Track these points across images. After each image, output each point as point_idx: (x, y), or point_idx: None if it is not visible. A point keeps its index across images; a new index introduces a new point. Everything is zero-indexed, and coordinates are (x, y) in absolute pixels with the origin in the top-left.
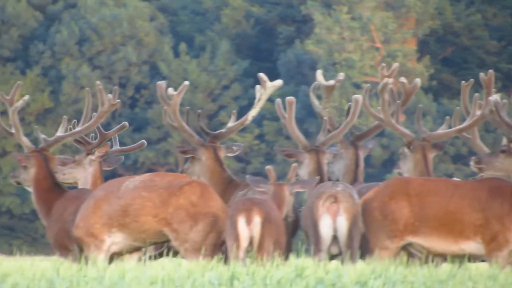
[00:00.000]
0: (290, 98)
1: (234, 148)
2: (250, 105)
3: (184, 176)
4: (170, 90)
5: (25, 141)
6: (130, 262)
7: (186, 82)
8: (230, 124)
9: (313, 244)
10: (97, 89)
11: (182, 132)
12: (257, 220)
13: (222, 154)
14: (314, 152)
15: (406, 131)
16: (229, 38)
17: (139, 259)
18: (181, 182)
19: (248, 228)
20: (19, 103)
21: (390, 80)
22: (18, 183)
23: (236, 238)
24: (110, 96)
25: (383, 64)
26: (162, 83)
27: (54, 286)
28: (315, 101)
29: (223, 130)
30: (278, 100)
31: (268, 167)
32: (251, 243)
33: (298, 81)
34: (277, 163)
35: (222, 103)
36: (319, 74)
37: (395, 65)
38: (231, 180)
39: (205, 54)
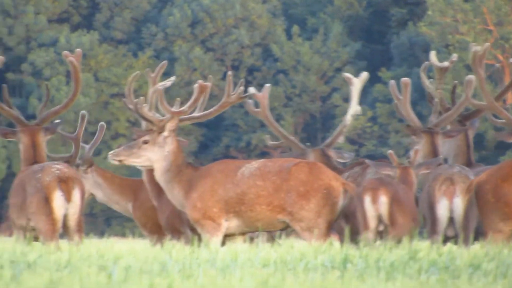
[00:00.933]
0: (405, 80)
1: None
2: (362, 88)
3: (294, 159)
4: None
5: (152, 116)
6: (242, 244)
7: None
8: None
9: (429, 226)
10: (227, 79)
11: (286, 140)
12: (383, 199)
13: (332, 156)
14: (429, 134)
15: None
16: (341, 21)
17: (251, 240)
18: (290, 164)
19: (373, 207)
20: (166, 84)
21: (478, 47)
22: None
23: (364, 217)
24: (242, 88)
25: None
26: (250, 103)
27: (166, 268)
28: (426, 81)
29: (328, 140)
30: (392, 81)
31: (390, 151)
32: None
33: (410, 64)
34: (390, 145)
35: (335, 85)
36: (433, 55)
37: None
38: (335, 167)
39: (318, 36)
